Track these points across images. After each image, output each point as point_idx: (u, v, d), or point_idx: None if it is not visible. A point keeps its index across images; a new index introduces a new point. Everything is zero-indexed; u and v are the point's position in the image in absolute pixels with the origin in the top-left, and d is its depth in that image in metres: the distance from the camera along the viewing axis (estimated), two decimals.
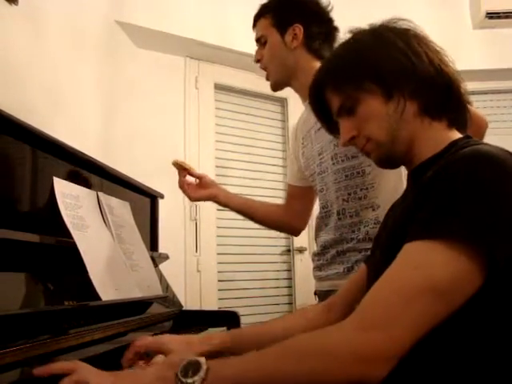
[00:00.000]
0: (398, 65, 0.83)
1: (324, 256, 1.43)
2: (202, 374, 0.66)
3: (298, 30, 1.43)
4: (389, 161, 0.91)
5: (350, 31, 0.94)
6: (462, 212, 0.66)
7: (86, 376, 0.69)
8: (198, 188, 1.59)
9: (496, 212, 0.66)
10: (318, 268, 1.47)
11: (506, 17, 3.15)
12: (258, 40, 1.52)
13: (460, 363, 0.68)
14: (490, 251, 0.64)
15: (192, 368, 0.67)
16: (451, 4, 3.31)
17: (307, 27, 1.43)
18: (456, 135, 0.86)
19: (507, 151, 0.74)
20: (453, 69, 0.87)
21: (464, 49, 3.24)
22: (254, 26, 1.53)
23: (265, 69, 1.51)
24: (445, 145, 0.84)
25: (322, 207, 1.46)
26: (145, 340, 0.93)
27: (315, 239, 1.52)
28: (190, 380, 0.65)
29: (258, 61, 1.53)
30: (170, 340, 0.93)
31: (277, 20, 1.46)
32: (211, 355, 0.95)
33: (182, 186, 1.58)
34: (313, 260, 1.52)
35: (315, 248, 1.52)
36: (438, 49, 0.87)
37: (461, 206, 0.67)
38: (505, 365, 0.68)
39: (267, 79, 1.52)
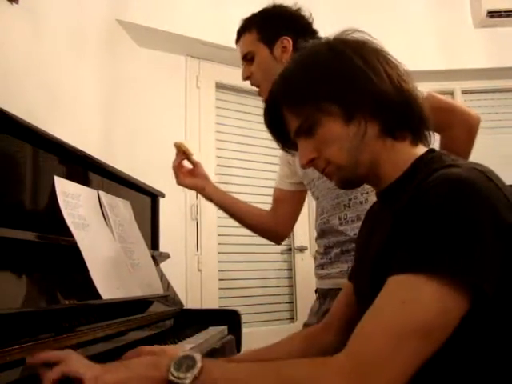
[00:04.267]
0: (357, 84, 0.80)
1: (327, 255, 1.42)
2: (195, 371, 0.64)
3: (287, 42, 1.41)
4: (350, 183, 0.89)
5: (304, 46, 0.89)
6: (441, 244, 0.65)
7: (77, 367, 0.67)
8: (188, 174, 1.58)
9: (474, 242, 0.65)
10: (320, 266, 1.46)
11: (507, 16, 3.15)
12: (244, 57, 1.48)
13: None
14: (478, 284, 0.64)
15: (186, 363, 0.65)
16: (452, 3, 3.31)
17: (296, 39, 1.40)
18: (420, 151, 0.84)
19: (476, 169, 0.72)
20: (411, 84, 0.84)
21: (465, 48, 3.24)
22: (238, 41, 1.50)
23: (256, 85, 1.49)
24: (409, 163, 0.82)
25: (319, 214, 1.45)
26: (140, 352, 0.88)
27: (316, 241, 1.51)
28: (181, 375, 0.63)
29: (247, 78, 1.50)
30: (162, 350, 0.89)
31: (263, 34, 1.43)
32: None
33: (175, 167, 1.56)
34: (315, 258, 1.51)
35: (317, 248, 1.51)
36: (395, 62, 0.84)
37: (439, 239, 0.66)
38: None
39: (259, 95, 1.49)
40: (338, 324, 0.99)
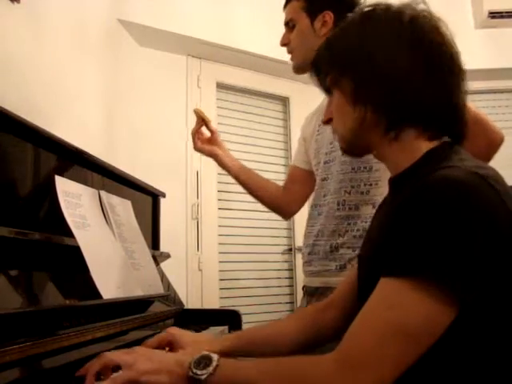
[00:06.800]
0: (375, 70, 0.80)
1: (316, 248, 1.41)
2: (211, 369, 0.72)
3: (329, 17, 1.41)
4: (351, 153, 0.94)
5: (360, 9, 0.89)
6: (429, 250, 0.65)
7: (115, 355, 0.77)
8: (206, 141, 1.62)
9: (463, 251, 0.65)
10: (308, 263, 1.45)
11: (509, 16, 3.15)
12: (286, 23, 1.50)
13: None
14: (459, 292, 0.65)
15: (204, 362, 0.73)
16: (453, 3, 3.30)
17: (338, 15, 1.39)
18: (431, 144, 0.81)
19: (478, 174, 0.69)
20: (463, 73, 0.85)
21: (466, 48, 3.20)
22: (285, 6, 1.51)
23: (291, 52, 1.50)
24: (420, 154, 0.80)
25: (323, 195, 1.44)
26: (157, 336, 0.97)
27: (306, 226, 1.50)
28: (199, 372, 0.72)
29: (284, 44, 1.51)
30: (181, 335, 0.97)
31: (308, 4, 1.44)
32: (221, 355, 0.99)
33: (193, 133, 1.61)
34: (303, 254, 1.49)
35: (304, 239, 1.49)
36: (453, 47, 0.85)
37: (428, 244, 0.66)
38: None
39: (291, 60, 1.51)
40: (341, 301, 1.01)
